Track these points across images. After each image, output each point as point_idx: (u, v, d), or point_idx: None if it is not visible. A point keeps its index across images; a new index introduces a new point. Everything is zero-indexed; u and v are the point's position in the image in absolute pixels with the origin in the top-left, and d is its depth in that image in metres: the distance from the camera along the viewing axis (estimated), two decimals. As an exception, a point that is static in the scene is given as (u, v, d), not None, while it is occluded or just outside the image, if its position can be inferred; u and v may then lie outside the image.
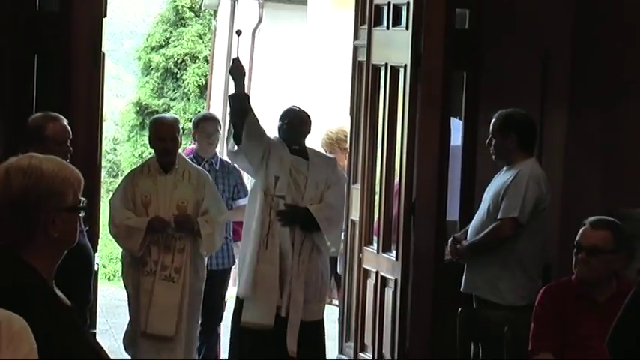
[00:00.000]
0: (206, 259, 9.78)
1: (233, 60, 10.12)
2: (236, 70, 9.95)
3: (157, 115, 10.65)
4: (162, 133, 9.57)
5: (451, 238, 9.46)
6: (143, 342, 9.21)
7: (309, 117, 10.23)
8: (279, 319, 9.69)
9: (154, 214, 9.31)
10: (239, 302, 9.85)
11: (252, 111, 9.78)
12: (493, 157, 9.29)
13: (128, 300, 9.55)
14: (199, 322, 9.88)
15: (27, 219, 4.36)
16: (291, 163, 9.90)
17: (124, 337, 9.86)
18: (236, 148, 9.79)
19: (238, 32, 10.86)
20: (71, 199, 4.51)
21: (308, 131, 10.19)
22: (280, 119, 10.10)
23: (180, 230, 9.40)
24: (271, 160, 9.80)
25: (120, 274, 11.97)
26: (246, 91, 10.38)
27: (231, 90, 10.30)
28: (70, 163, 4.67)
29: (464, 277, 9.35)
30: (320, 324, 10.11)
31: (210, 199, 9.59)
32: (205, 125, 10.97)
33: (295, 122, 10.03)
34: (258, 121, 9.78)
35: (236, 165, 10.50)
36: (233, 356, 10.06)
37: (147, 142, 27.24)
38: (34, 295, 4.16)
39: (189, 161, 10.02)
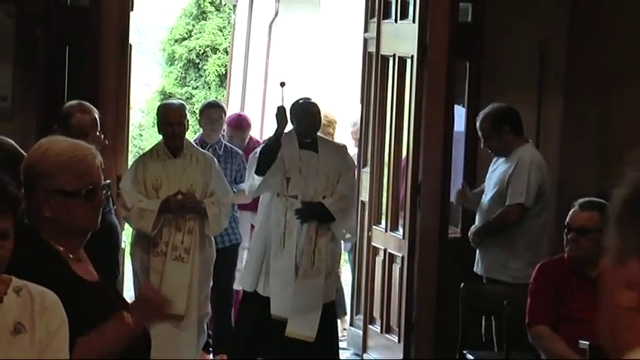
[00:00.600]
0: (213, 239, 9.53)
1: (278, 108, 9.75)
2: (281, 118, 9.57)
3: (164, 101, 10.53)
4: (169, 118, 9.35)
5: (460, 186, 9.58)
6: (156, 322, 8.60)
7: (318, 110, 9.95)
8: None
9: (165, 197, 9.11)
10: (254, 297, 9.57)
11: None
12: (493, 154, 9.34)
13: (135, 280, 9.39)
14: (209, 298, 9.61)
15: (27, 196, 4.33)
16: (301, 159, 9.64)
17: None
18: (256, 186, 9.50)
19: (282, 84, 10.18)
20: (66, 183, 4.46)
21: (319, 124, 9.96)
22: (291, 114, 9.69)
23: (188, 210, 9.18)
24: (282, 159, 9.53)
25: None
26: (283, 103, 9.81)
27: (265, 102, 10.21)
28: (84, 146, 4.63)
29: (477, 260, 9.38)
30: (333, 304, 9.89)
31: (216, 182, 9.38)
32: (210, 112, 10.86)
33: (306, 118, 9.72)
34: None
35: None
36: (235, 343, 9.89)
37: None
38: (43, 273, 4.14)
39: (196, 146, 9.83)
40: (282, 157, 9.48)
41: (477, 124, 9.30)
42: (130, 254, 9.46)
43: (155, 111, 27.44)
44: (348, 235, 9.92)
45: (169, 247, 8.93)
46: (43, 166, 4.44)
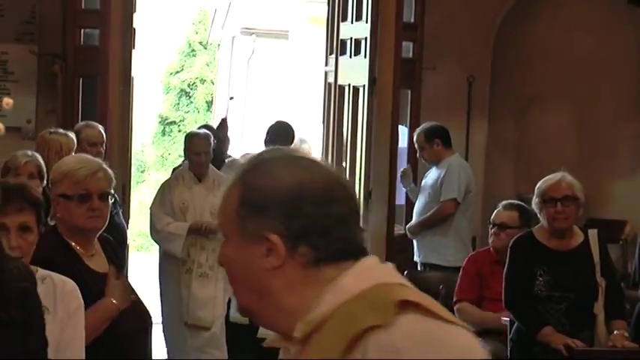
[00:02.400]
0: None
1: (221, 120, 9.78)
2: (221, 130, 9.54)
3: (191, 131, 9.44)
4: (196, 148, 8.69)
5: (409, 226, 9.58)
6: (186, 330, 8.49)
7: (291, 129, 9.86)
8: None
9: (192, 219, 8.53)
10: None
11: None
12: (426, 162, 9.40)
13: (161, 289, 8.84)
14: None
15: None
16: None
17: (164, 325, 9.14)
18: None
19: (231, 98, 10.00)
20: (66, 189, 4.47)
21: (291, 142, 9.61)
22: (266, 133, 9.72)
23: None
24: None
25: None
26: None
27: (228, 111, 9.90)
28: (93, 162, 4.64)
29: (415, 248, 9.44)
30: None
31: None
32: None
33: (278, 135, 9.49)
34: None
35: None
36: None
37: (166, 145, 27.16)
38: (61, 264, 4.13)
39: (218, 171, 9.05)
40: None
41: (414, 137, 9.39)
42: (160, 271, 8.91)
43: (153, 131, 27.45)
44: None
45: (195, 265, 8.50)
46: (54, 176, 4.52)
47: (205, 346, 8.46)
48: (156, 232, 8.58)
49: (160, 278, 8.87)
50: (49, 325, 3.87)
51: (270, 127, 9.84)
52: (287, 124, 10.01)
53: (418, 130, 9.41)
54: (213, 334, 8.46)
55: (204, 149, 8.65)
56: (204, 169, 8.69)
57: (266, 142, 9.61)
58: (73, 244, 4.37)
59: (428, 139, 9.24)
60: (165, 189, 8.75)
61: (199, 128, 10.61)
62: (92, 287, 4.34)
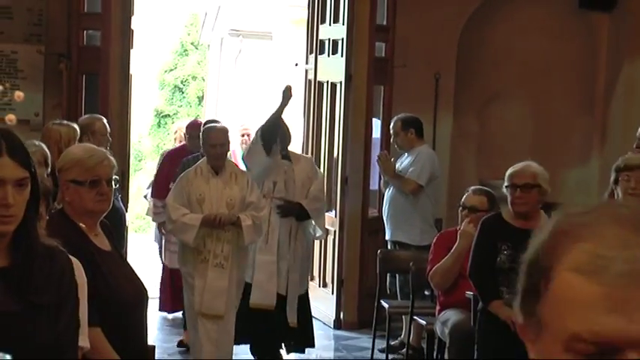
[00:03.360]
0: (249, 249, 8.20)
1: (288, 86, 8.64)
2: (288, 96, 8.53)
3: (209, 125, 8.55)
4: (213, 140, 7.95)
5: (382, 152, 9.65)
6: (200, 319, 7.79)
7: (287, 126, 8.83)
8: (277, 297, 8.35)
9: (208, 211, 7.83)
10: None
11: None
12: (399, 148, 9.42)
13: (184, 281, 8.09)
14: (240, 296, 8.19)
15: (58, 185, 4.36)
16: (283, 169, 8.50)
17: (183, 313, 8.95)
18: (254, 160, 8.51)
19: (296, 64, 9.37)
20: (75, 175, 4.45)
21: (290, 137, 8.76)
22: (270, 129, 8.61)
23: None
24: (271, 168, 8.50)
25: (141, 226, 11.97)
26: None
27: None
28: (99, 151, 4.63)
29: (387, 229, 9.45)
30: (307, 294, 8.75)
31: (251, 195, 7.95)
32: (194, 133, 9.32)
33: (286, 132, 8.57)
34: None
35: (248, 164, 8.68)
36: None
37: (161, 136, 27.08)
38: (66, 244, 4.13)
39: (235, 164, 8.43)
40: (271, 164, 8.44)
41: (392, 124, 9.40)
42: (179, 259, 8.21)
43: (150, 124, 27.45)
44: (319, 233, 8.71)
45: (211, 255, 7.81)
46: (64, 163, 4.48)
47: (217, 335, 7.88)
48: (171, 223, 7.99)
49: (181, 269, 8.20)
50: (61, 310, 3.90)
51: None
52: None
53: (396, 117, 9.43)
54: (226, 323, 7.84)
55: (221, 141, 7.97)
56: (221, 161, 7.99)
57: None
58: (82, 224, 4.37)
59: (404, 127, 9.28)
60: (183, 181, 8.04)
61: (192, 122, 10.42)
62: (100, 263, 4.35)
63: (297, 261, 8.45)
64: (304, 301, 8.60)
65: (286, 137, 8.52)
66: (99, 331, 4.19)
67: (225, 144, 8.02)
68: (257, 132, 8.50)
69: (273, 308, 8.23)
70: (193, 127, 10.00)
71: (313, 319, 8.87)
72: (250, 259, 8.25)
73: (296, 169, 8.52)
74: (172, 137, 11.64)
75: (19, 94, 6.32)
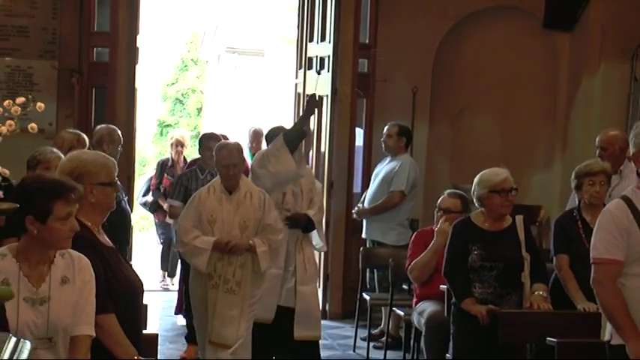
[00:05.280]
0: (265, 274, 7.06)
1: (313, 95, 7.76)
2: (314, 105, 7.61)
3: (222, 142, 7.33)
4: (224, 160, 6.89)
5: (356, 208, 9.53)
6: (209, 348, 6.81)
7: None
8: (280, 310, 7.36)
9: (219, 232, 6.80)
10: None
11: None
12: (385, 150, 9.38)
13: (194, 309, 7.17)
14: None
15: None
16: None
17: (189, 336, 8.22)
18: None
19: (318, 72, 8.64)
20: (103, 178, 4.46)
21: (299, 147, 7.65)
22: (266, 137, 8.02)
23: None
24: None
25: (150, 225, 11.91)
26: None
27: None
28: (110, 156, 4.67)
29: (364, 228, 9.43)
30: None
31: (268, 216, 6.90)
32: (209, 143, 8.51)
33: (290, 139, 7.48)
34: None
35: (259, 174, 7.36)
36: None
37: (163, 143, 27.06)
38: (78, 239, 4.14)
39: (251, 182, 7.13)
40: (295, 173, 7.39)
41: (388, 126, 9.33)
42: (190, 284, 7.15)
43: (153, 132, 27.42)
44: (320, 244, 7.71)
45: (222, 280, 6.79)
46: (89, 167, 4.43)
47: None
48: (182, 245, 6.96)
49: (190, 293, 7.21)
50: (70, 292, 3.95)
51: (270, 130, 7.97)
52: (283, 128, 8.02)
53: (394, 122, 9.36)
54: (234, 353, 6.81)
55: (233, 162, 6.89)
56: (234, 181, 6.91)
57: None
58: (89, 224, 4.36)
59: (399, 134, 9.26)
60: (194, 200, 7.00)
61: (209, 135, 9.09)
62: (107, 257, 4.37)
63: (308, 272, 7.51)
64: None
65: (297, 147, 7.43)
66: (114, 317, 4.23)
67: (238, 164, 6.93)
68: (279, 139, 7.28)
69: (271, 322, 7.29)
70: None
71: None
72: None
73: (302, 180, 7.59)
74: (169, 144, 11.55)
75: (40, 105, 6.31)
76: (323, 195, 8.26)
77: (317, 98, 7.72)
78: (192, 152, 13.41)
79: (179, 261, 9.56)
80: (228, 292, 6.76)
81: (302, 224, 7.45)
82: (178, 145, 11.21)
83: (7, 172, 3.33)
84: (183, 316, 9.24)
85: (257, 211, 6.86)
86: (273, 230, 6.88)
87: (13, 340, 3.18)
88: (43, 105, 6.64)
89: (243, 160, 7.10)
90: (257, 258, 6.77)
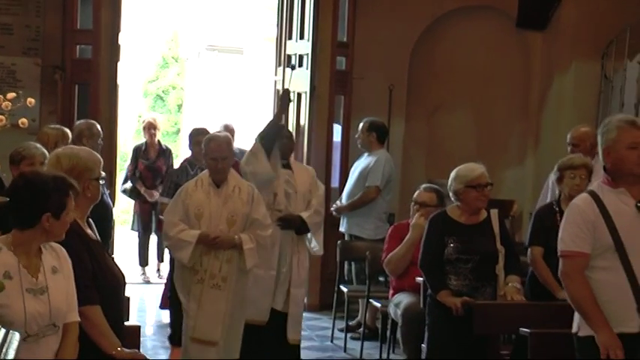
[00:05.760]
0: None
1: (286, 90, 7.63)
2: (286, 100, 7.52)
3: (211, 134, 6.96)
4: (213, 153, 6.60)
5: (334, 205, 9.52)
6: (192, 345, 6.53)
7: (291, 134, 7.84)
8: (273, 312, 7.24)
9: (206, 227, 6.52)
10: None
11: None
12: (360, 146, 9.40)
13: (177, 302, 6.99)
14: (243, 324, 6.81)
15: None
16: (284, 179, 7.36)
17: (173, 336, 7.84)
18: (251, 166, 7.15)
19: (292, 67, 8.29)
20: (98, 173, 4.57)
21: (293, 145, 7.71)
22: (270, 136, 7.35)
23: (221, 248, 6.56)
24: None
25: (130, 221, 11.81)
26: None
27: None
28: (96, 153, 4.75)
29: (342, 223, 9.44)
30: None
31: (256, 212, 6.61)
32: (200, 138, 7.93)
33: (288, 140, 7.50)
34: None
35: (247, 171, 7.20)
36: None
37: (142, 139, 27.05)
38: (70, 232, 4.21)
39: (240, 176, 6.89)
40: (272, 174, 7.22)
41: (362, 123, 9.34)
42: (174, 278, 6.90)
43: (134, 128, 27.42)
44: (317, 248, 7.50)
45: (207, 275, 6.50)
46: (89, 164, 4.53)
47: None
48: (167, 239, 6.70)
49: (174, 288, 6.96)
50: (62, 281, 4.08)
51: (194, 130, 8.07)
52: (287, 129, 8.04)
53: (367, 119, 9.39)
54: (222, 353, 6.51)
55: (222, 154, 6.61)
56: (222, 174, 6.62)
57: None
58: (76, 217, 4.42)
59: (368, 129, 9.28)
60: (181, 194, 6.71)
61: (199, 130, 8.73)
62: (93, 250, 4.44)
63: (301, 276, 7.38)
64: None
65: (287, 146, 7.44)
66: (99, 308, 4.30)
67: (227, 157, 6.65)
68: (256, 139, 7.24)
69: (265, 324, 7.16)
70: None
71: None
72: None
73: (298, 180, 7.42)
74: (141, 128, 11.50)
75: (30, 100, 6.29)
76: (324, 197, 7.74)
77: (290, 94, 7.60)
78: (166, 140, 13.35)
79: (167, 254, 9.41)
80: (214, 288, 6.49)
81: (294, 226, 7.26)
82: (151, 127, 11.17)
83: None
84: (162, 308, 9.24)
85: (245, 205, 6.60)
86: (262, 226, 6.61)
87: (2, 331, 3.23)
88: (33, 100, 6.61)
89: (232, 152, 6.82)
90: (243, 255, 6.51)
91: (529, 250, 6.57)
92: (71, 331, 4.08)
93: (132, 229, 11.55)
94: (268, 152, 7.19)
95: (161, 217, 8.19)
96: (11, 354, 3.07)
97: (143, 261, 11.54)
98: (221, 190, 6.62)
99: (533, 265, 6.54)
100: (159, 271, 11.49)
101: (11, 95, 6.42)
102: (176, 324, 7.70)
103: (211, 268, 6.52)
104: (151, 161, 11.01)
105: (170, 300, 8.07)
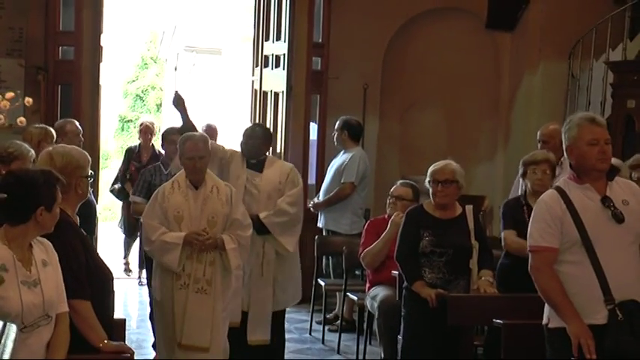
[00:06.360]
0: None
1: (175, 92, 7.30)
2: (178, 101, 7.16)
3: (187, 134, 6.58)
4: (190, 152, 6.26)
5: (312, 202, 9.53)
6: (180, 352, 6.14)
7: (264, 133, 7.27)
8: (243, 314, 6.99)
9: (187, 229, 6.16)
10: None
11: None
12: (336, 144, 9.42)
13: (154, 309, 6.62)
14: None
15: (66, 183, 4.39)
16: (246, 179, 6.99)
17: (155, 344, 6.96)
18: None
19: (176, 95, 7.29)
20: (87, 171, 4.63)
21: (264, 145, 7.18)
22: (242, 136, 7.12)
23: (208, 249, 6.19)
24: (229, 179, 6.83)
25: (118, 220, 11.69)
26: (190, 118, 7.23)
27: (177, 116, 7.32)
28: (81, 149, 4.83)
29: (320, 218, 9.44)
30: (283, 311, 7.31)
31: (235, 212, 6.29)
32: (172, 137, 7.83)
33: (250, 139, 7.06)
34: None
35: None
36: None
37: (124, 138, 26.87)
38: (67, 226, 4.31)
39: (216, 176, 6.48)
40: (230, 175, 6.96)
41: (336, 123, 9.36)
42: (152, 283, 6.55)
43: (115, 127, 27.24)
44: (283, 248, 7.04)
45: (192, 280, 6.12)
46: (81, 162, 4.60)
47: None
48: (149, 243, 6.24)
49: (151, 295, 6.66)
50: (52, 273, 4.12)
51: (244, 130, 7.28)
52: (260, 128, 7.50)
53: (341, 118, 9.39)
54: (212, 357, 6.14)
55: (199, 153, 6.27)
56: (199, 175, 6.28)
57: (240, 146, 7.14)
58: (69, 212, 4.51)
59: (341, 127, 9.28)
60: (157, 197, 6.32)
61: (171, 129, 8.44)
62: (86, 244, 4.51)
63: (265, 276, 7.00)
64: (281, 316, 7.25)
65: (252, 146, 7.06)
66: (89, 304, 4.33)
67: (204, 156, 6.31)
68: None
69: (239, 325, 6.87)
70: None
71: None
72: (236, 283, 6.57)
73: (264, 179, 7.03)
74: (137, 132, 11.38)
75: (28, 100, 6.29)
76: (301, 193, 7.25)
77: (179, 94, 7.21)
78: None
79: (144, 262, 9.04)
80: (199, 292, 6.12)
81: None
82: (147, 131, 10.83)
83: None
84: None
85: (225, 205, 6.26)
86: (241, 226, 6.30)
87: (0, 323, 3.27)
88: (31, 100, 6.61)
89: (209, 152, 6.45)
90: (226, 256, 6.18)
91: (502, 234, 6.59)
92: (62, 321, 4.13)
93: (118, 225, 11.49)
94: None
95: (136, 216, 8.11)
96: (9, 345, 3.10)
97: (126, 253, 11.43)
98: (199, 191, 6.26)
99: (507, 246, 6.52)
100: (140, 278, 10.96)
101: (10, 95, 6.42)
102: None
103: (195, 272, 6.15)
104: (143, 164, 10.67)
105: (151, 308, 7.68)
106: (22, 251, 4.03)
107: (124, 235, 11.39)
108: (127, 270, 11.46)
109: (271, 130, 10.32)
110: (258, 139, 7.09)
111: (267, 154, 7.33)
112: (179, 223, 6.19)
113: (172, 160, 7.55)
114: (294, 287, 7.34)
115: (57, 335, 4.10)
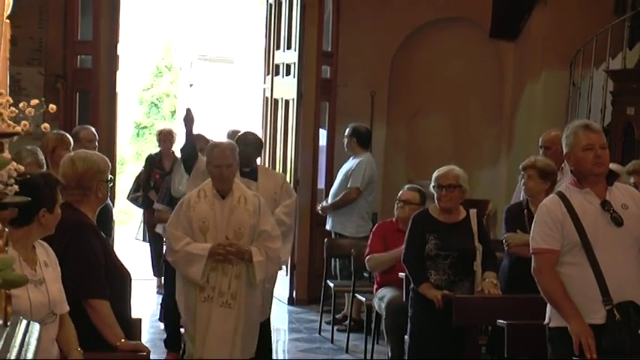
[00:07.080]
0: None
1: (187, 110, 7.16)
2: (188, 118, 7.02)
3: (214, 142, 6.28)
4: (217, 160, 5.86)
5: (320, 205, 9.55)
6: None
7: (256, 140, 7.05)
8: None
9: (212, 240, 5.77)
10: None
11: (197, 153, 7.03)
12: (346, 150, 9.43)
13: (170, 309, 6.49)
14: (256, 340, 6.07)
15: (86, 187, 4.50)
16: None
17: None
18: (183, 185, 6.97)
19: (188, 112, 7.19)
20: (107, 175, 4.68)
21: (256, 153, 6.95)
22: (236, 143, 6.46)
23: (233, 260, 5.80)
24: None
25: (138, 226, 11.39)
26: (194, 133, 7.16)
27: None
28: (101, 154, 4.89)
29: (328, 221, 9.46)
30: (267, 322, 6.70)
31: (264, 223, 5.88)
32: (164, 136, 8.50)
33: (242, 146, 6.52)
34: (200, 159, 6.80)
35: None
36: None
37: (140, 144, 26.93)
38: (87, 228, 4.35)
39: (244, 186, 6.06)
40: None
41: (346, 130, 9.37)
42: (178, 299, 6.03)
43: (130, 133, 27.34)
44: (282, 259, 6.49)
45: (216, 293, 5.75)
46: (102, 167, 4.64)
47: None
48: (173, 253, 5.87)
49: (180, 310, 6.06)
50: (52, 273, 4.13)
51: (236, 138, 6.98)
52: (251, 135, 7.18)
53: (351, 125, 9.40)
54: None
55: (227, 162, 5.86)
56: (226, 183, 5.87)
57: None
58: (90, 215, 4.57)
59: (350, 135, 9.30)
60: (183, 206, 5.92)
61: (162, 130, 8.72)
62: (107, 246, 4.59)
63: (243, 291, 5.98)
64: (265, 327, 6.63)
65: (247, 154, 6.67)
66: (108, 304, 4.36)
67: (232, 164, 5.90)
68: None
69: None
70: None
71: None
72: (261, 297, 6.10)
73: (260, 187, 6.68)
74: (156, 140, 11.14)
75: (52, 107, 6.35)
76: (295, 203, 6.99)
77: (190, 111, 7.10)
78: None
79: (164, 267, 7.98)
80: (223, 306, 5.76)
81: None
82: (167, 139, 10.42)
83: (22, 167, 3.46)
84: (162, 321, 8.47)
85: (252, 216, 5.85)
86: (270, 237, 5.88)
87: (24, 322, 3.29)
88: (54, 107, 6.64)
89: (237, 160, 6.03)
90: (252, 268, 5.78)
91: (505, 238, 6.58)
92: (66, 319, 4.16)
93: (136, 237, 10.92)
94: (188, 166, 6.87)
95: (160, 225, 8.08)
96: (33, 343, 3.11)
97: (158, 271, 10.30)
98: (226, 201, 5.85)
99: (509, 245, 6.49)
100: (159, 287, 10.31)
101: (35, 102, 6.45)
102: (170, 329, 7.60)
103: (220, 285, 5.77)
104: (166, 171, 9.92)
105: (165, 308, 7.71)
106: (26, 252, 4.03)
107: (150, 251, 10.58)
108: (160, 293, 9.93)
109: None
110: (250, 146, 6.84)
111: (258, 161, 7.13)
112: (204, 234, 5.81)
113: (166, 156, 7.46)
114: (268, 302, 6.74)
115: (65, 331, 4.12)
